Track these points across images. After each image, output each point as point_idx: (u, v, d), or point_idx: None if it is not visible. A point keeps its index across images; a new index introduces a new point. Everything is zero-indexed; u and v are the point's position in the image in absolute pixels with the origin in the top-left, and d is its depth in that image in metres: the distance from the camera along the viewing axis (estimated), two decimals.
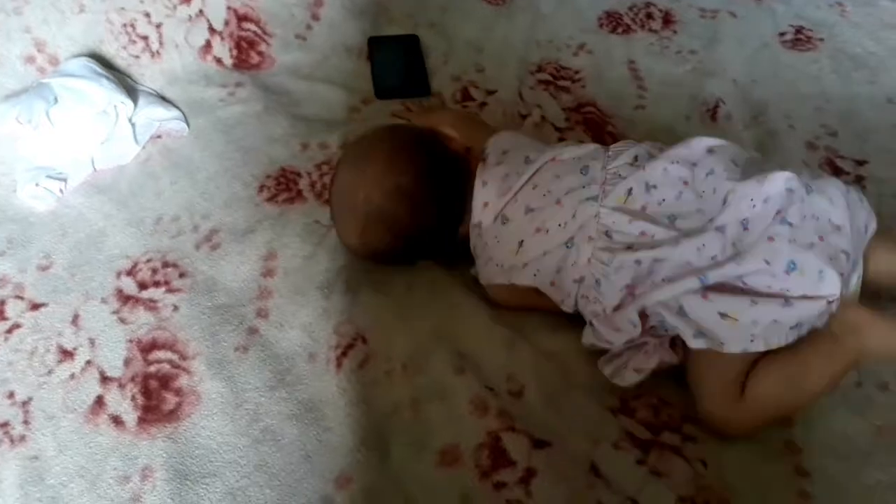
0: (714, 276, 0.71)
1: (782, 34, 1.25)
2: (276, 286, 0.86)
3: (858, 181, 0.98)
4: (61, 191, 0.97)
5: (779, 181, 0.73)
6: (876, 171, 0.99)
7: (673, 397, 0.78)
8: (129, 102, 1.02)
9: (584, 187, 0.79)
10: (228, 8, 1.14)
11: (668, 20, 1.29)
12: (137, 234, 0.93)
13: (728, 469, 0.73)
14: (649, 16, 1.30)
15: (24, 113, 0.97)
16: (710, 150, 0.79)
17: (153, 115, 1.04)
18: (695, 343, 0.71)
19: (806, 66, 1.18)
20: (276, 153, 1.01)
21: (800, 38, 1.24)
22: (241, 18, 1.14)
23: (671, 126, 1.09)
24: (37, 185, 0.96)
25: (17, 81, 1.04)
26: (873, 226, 0.77)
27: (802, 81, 1.15)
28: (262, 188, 0.97)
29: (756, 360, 0.73)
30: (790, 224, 0.72)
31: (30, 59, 1.05)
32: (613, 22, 1.28)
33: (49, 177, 0.97)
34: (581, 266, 0.77)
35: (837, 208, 0.74)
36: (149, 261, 0.90)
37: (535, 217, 0.80)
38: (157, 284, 0.87)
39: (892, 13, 1.26)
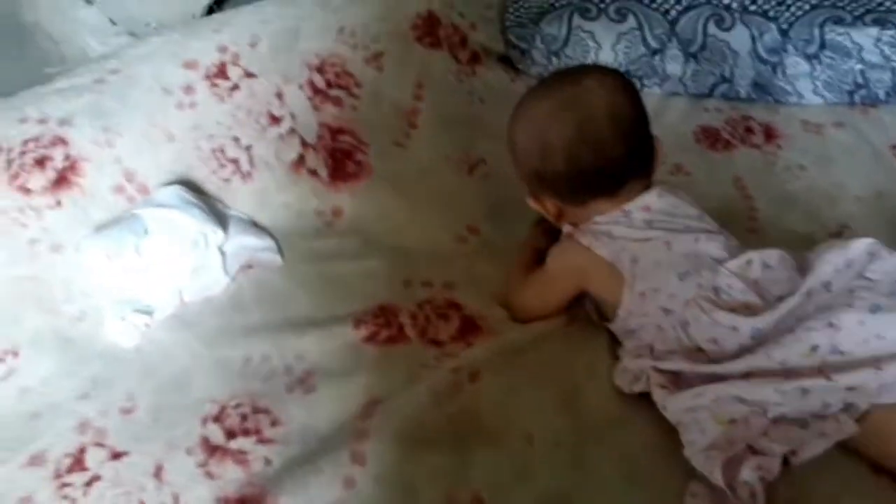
0: None
1: (894, 147, 1.17)
2: (375, 430, 0.78)
3: None
4: (147, 325, 0.93)
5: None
6: None
7: None
8: (220, 231, 0.99)
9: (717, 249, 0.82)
10: (321, 124, 1.11)
11: (769, 134, 1.22)
12: (225, 376, 0.86)
13: None
14: (748, 129, 1.24)
15: (113, 247, 0.94)
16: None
17: (244, 244, 1.00)
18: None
19: None
20: (375, 290, 0.94)
21: None
22: (336, 131, 1.12)
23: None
24: (123, 319, 0.92)
25: (106, 212, 1.02)
26: None
27: None
28: (359, 325, 0.90)
29: None
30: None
31: (119, 190, 1.04)
32: (711, 138, 1.23)
33: (136, 310, 0.93)
34: (679, 301, 0.78)
35: None
36: (237, 406, 0.83)
37: (670, 240, 0.82)
38: (246, 433, 0.80)
39: None
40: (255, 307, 0.95)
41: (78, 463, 0.79)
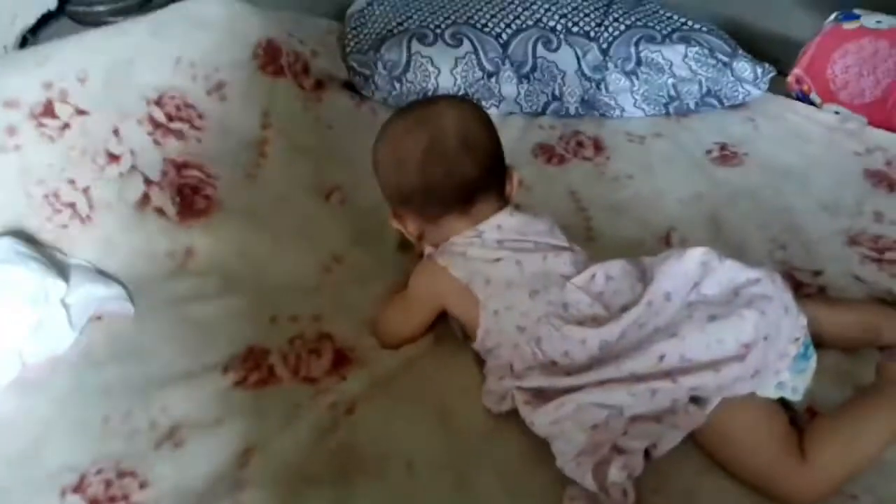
0: None
1: (709, 151, 1.31)
2: (253, 478, 0.77)
3: (821, 291, 1.00)
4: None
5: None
6: (833, 280, 1.02)
7: None
8: (61, 282, 0.92)
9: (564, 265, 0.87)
10: (164, 159, 1.07)
11: (598, 147, 1.32)
12: (83, 440, 0.81)
13: None
14: (579, 143, 1.33)
15: None
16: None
17: (91, 294, 0.94)
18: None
19: (740, 181, 1.23)
20: (240, 331, 0.92)
21: (725, 154, 1.30)
22: (181, 166, 1.07)
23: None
24: None
25: None
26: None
27: (741, 196, 1.19)
28: (227, 370, 0.87)
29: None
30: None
31: None
32: (547, 153, 1.31)
33: None
34: (531, 318, 0.82)
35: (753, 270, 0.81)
36: (99, 472, 0.78)
37: (520, 259, 0.86)
38: (112, 501, 0.75)
39: (797, 125, 1.36)
40: (110, 362, 0.90)
41: None
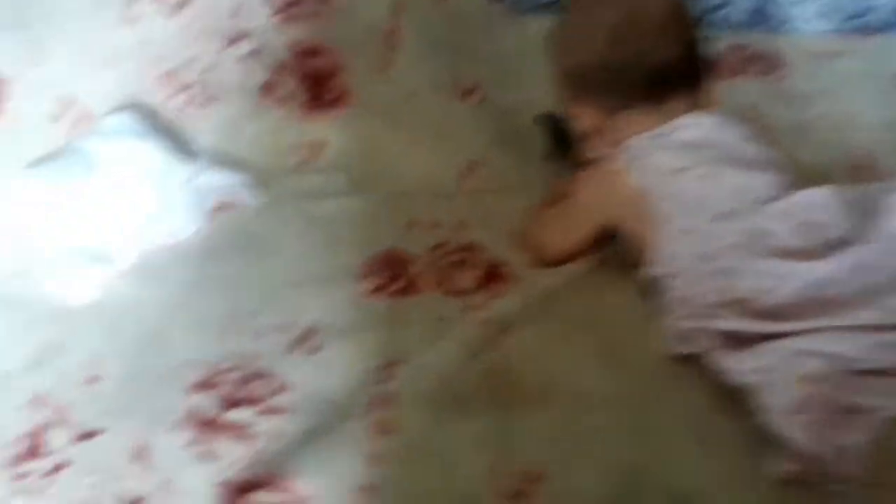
0: None
1: None
2: (400, 394, 0.68)
3: None
4: (104, 278, 0.78)
5: None
6: None
7: None
8: (186, 164, 0.84)
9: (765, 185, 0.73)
10: (289, 44, 0.96)
11: (771, 62, 1.15)
12: (207, 335, 0.73)
13: None
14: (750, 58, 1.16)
15: (55, 183, 0.78)
16: None
17: (214, 180, 0.86)
18: None
19: None
20: (374, 234, 0.82)
21: None
22: (308, 52, 0.96)
23: None
24: (73, 272, 0.77)
25: (43, 145, 0.85)
26: None
27: None
28: (363, 276, 0.78)
29: None
30: None
31: (56, 118, 0.87)
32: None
33: (88, 261, 0.78)
34: (719, 246, 0.69)
35: None
36: (230, 370, 0.70)
37: (711, 172, 0.73)
38: (244, 403, 0.68)
39: None
40: (233, 255, 0.81)
41: (35, 447, 0.65)
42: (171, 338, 0.74)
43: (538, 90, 0.92)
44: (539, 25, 1.00)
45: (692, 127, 0.75)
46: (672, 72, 0.75)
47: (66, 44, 0.88)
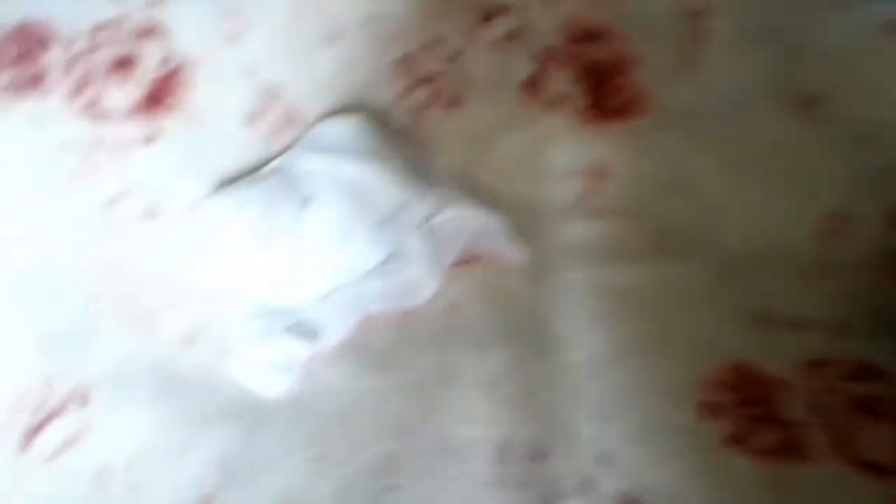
0: None
1: None
2: None
3: None
4: (307, 358, 0.53)
5: None
6: None
7: None
8: (426, 199, 0.58)
9: None
10: (563, 23, 0.68)
11: None
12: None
13: None
14: None
15: (259, 221, 0.53)
16: None
17: (460, 223, 0.59)
18: None
19: None
20: (710, 334, 0.53)
21: None
22: (588, 35, 0.68)
23: None
24: (269, 346, 0.53)
25: (232, 156, 0.61)
26: None
27: None
28: (711, 413, 0.49)
29: None
30: None
31: (255, 118, 0.63)
32: None
33: (287, 332, 0.54)
34: None
35: None
36: None
37: None
38: None
39: None
40: (494, 334, 0.54)
41: None
42: (398, 472, 0.48)
43: None
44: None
45: None
46: None
47: (273, 15, 0.64)
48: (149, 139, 0.61)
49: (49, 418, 0.52)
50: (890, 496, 0.44)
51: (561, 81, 0.67)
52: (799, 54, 0.74)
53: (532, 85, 0.67)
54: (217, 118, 0.62)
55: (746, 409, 0.48)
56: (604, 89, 0.67)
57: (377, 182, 0.56)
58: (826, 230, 0.60)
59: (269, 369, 0.53)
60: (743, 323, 0.54)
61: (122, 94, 0.61)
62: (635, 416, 0.49)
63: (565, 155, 0.65)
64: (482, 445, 0.50)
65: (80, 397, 0.53)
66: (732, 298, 0.55)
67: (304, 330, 0.54)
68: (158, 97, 0.62)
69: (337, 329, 0.55)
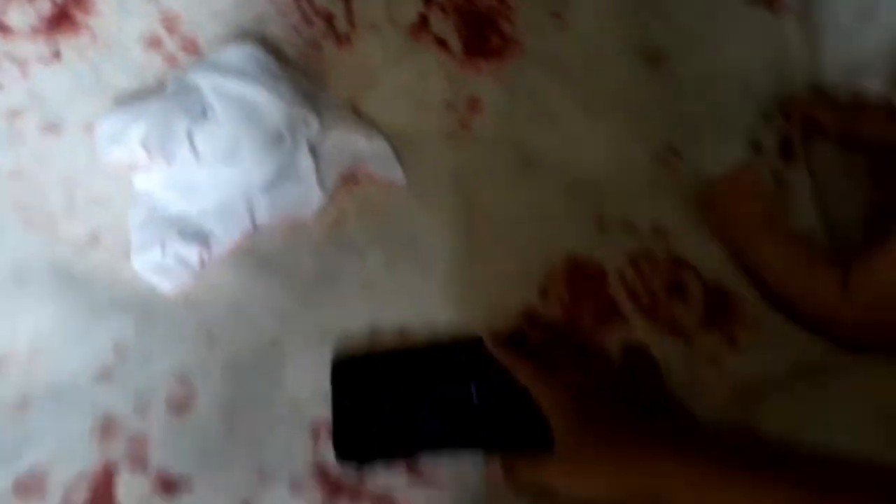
0: None
1: None
2: None
3: None
4: (202, 260, 0.59)
5: None
6: None
7: None
8: (313, 120, 0.64)
9: None
10: None
11: None
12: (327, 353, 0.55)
13: None
14: None
15: (155, 134, 0.59)
16: None
17: (347, 144, 0.66)
18: None
19: None
20: (554, 234, 0.62)
21: None
22: None
23: None
24: (163, 249, 0.59)
25: (134, 77, 0.66)
26: None
27: None
28: (544, 293, 0.58)
29: None
30: None
31: (154, 43, 0.67)
32: None
33: (183, 236, 0.59)
34: None
35: None
36: None
37: None
38: None
39: None
40: (370, 248, 0.62)
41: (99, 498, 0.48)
42: (282, 353, 0.55)
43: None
44: None
45: None
46: None
47: None
48: (53, 57, 0.65)
49: None
50: (686, 352, 0.54)
51: (443, 25, 0.74)
52: (655, 13, 0.84)
53: (417, 28, 0.74)
54: (119, 40, 0.66)
55: (580, 287, 0.58)
56: (481, 35, 0.75)
57: (268, 102, 0.61)
58: (657, 160, 0.71)
59: (164, 269, 0.59)
60: (588, 226, 0.63)
61: (30, 11, 0.65)
62: (486, 301, 0.58)
63: (443, 90, 0.72)
64: (357, 333, 0.57)
65: None
66: (578, 209, 0.64)
67: (196, 235, 0.60)
68: (63, 18, 0.66)
69: (223, 239, 0.60)
